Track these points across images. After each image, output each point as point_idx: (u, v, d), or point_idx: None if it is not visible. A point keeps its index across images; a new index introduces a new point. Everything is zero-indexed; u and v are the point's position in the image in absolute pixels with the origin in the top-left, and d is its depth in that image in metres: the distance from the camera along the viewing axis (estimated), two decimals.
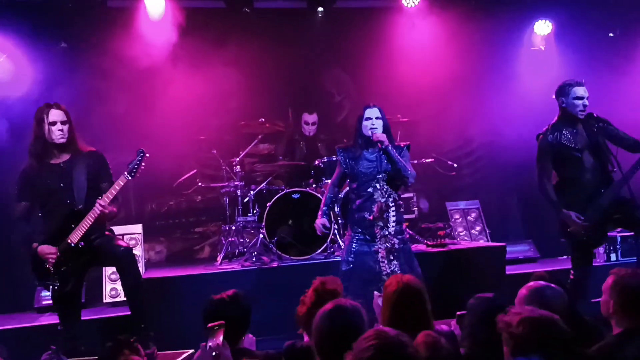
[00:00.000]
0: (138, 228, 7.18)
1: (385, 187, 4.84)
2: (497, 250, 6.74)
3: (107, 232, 4.86)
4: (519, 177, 7.99)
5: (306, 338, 3.44)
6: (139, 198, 8.19)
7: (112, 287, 6.56)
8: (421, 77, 7.89)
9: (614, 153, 5.19)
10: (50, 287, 4.67)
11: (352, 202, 5.01)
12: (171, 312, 5.80)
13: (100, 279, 6.61)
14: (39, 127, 4.74)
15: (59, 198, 4.74)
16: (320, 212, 5.13)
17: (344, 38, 8.43)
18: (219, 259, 6.73)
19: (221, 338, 2.91)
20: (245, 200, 7.02)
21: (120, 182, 4.68)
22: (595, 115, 5.27)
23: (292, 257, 6.52)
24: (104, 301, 6.58)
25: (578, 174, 5.21)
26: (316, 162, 7.04)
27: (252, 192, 7.01)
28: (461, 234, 7.96)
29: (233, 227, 6.93)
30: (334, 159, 6.66)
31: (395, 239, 4.79)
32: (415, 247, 6.58)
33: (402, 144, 5.11)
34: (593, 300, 4.34)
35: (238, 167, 7.03)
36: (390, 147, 4.81)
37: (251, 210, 6.96)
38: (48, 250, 4.64)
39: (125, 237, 6.81)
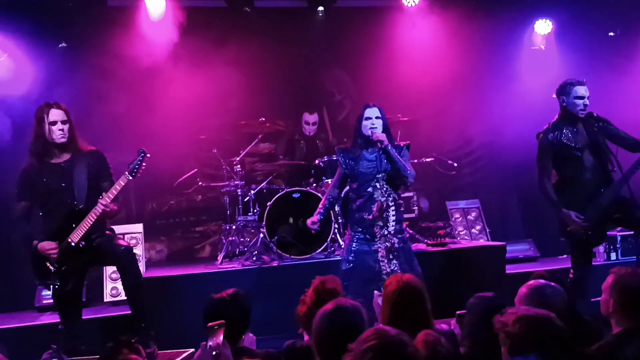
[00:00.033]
0: (139, 227, 7.20)
1: (385, 186, 4.85)
2: (497, 250, 6.74)
3: (107, 232, 4.87)
4: (519, 176, 7.99)
5: (306, 337, 3.44)
6: (140, 197, 8.20)
7: (113, 287, 6.57)
8: (421, 77, 7.90)
9: (614, 153, 5.19)
10: (51, 286, 4.68)
11: (352, 202, 5.01)
12: (172, 311, 5.81)
13: (101, 278, 6.62)
14: (39, 127, 4.74)
15: (60, 198, 4.74)
16: (316, 211, 5.14)
17: (344, 37, 8.43)
18: (220, 258, 6.73)
19: (221, 337, 2.91)
20: (246, 200, 7.03)
21: (121, 182, 4.68)
22: (595, 114, 5.27)
23: (292, 257, 6.53)
24: (105, 300, 6.59)
25: (578, 173, 5.21)
26: (316, 162, 7.04)
27: (252, 192, 7.01)
28: (461, 233, 7.96)
29: (233, 227, 6.93)
30: (334, 158, 6.66)
31: (395, 238, 4.80)
32: (416, 246, 6.58)
33: (401, 143, 5.11)
34: (593, 300, 4.34)
35: (238, 166, 7.04)
36: (389, 147, 4.81)
37: (251, 209, 6.97)
38: (48, 247, 4.64)
39: (126, 236, 6.82)
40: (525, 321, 2.47)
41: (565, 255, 7.03)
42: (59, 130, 4.74)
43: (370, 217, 4.80)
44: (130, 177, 4.70)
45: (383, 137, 4.83)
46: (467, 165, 8.80)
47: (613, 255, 7.20)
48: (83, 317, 5.08)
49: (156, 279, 6.18)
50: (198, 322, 3.25)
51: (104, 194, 4.65)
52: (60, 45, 7.53)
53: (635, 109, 7.68)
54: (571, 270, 5.32)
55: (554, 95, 5.43)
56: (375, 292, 3.77)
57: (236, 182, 7.00)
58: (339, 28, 8.46)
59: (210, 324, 2.95)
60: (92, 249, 4.71)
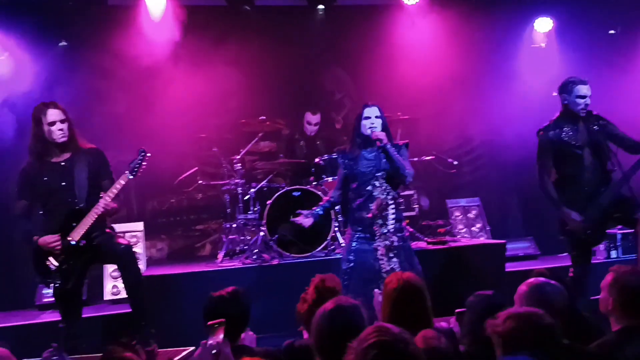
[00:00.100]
0: (139, 226, 7.21)
1: (385, 185, 4.85)
2: (497, 248, 6.75)
3: (107, 230, 4.86)
4: (520, 174, 7.99)
5: (306, 335, 3.45)
6: (141, 196, 8.21)
7: (113, 285, 6.56)
8: (421, 75, 7.90)
9: (614, 152, 5.19)
10: (52, 284, 4.68)
11: (351, 201, 5.01)
12: (172, 310, 5.82)
13: (102, 276, 6.63)
14: (37, 128, 4.72)
15: (60, 197, 4.74)
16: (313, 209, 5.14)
17: (344, 36, 8.44)
18: (220, 256, 6.73)
19: (221, 336, 2.92)
20: (246, 198, 7.03)
21: (121, 181, 4.68)
22: (594, 113, 5.26)
23: (292, 255, 6.53)
24: (105, 299, 6.59)
25: (578, 172, 5.20)
26: (316, 160, 7.04)
27: (252, 190, 7.01)
28: (461, 231, 7.97)
29: (234, 225, 6.94)
30: (334, 156, 6.66)
31: (394, 236, 4.79)
32: (416, 244, 6.58)
33: (400, 142, 5.11)
34: (593, 298, 4.35)
35: (239, 165, 7.04)
36: (389, 146, 4.81)
37: (252, 207, 6.97)
38: (51, 239, 4.62)
39: (126, 234, 6.82)
40: (515, 319, 2.48)
41: (565, 253, 7.02)
42: (59, 130, 4.73)
43: (370, 215, 4.80)
44: (131, 177, 4.70)
45: (382, 136, 4.83)
46: (467, 164, 8.80)
47: (613, 253, 7.20)
48: (83, 316, 5.08)
49: (157, 277, 6.20)
50: (198, 321, 3.26)
51: (102, 193, 4.65)
52: (60, 44, 7.54)
53: (635, 107, 7.68)
54: (571, 269, 5.32)
55: (555, 93, 5.42)
56: (376, 290, 3.78)
57: (236, 181, 7.00)
58: (338, 27, 8.47)
59: (210, 322, 2.95)
60: (93, 247, 4.71)
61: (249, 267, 6.31)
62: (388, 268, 4.71)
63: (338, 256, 5.85)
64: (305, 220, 5.06)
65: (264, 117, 7.28)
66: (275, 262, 6.37)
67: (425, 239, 6.99)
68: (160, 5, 7.55)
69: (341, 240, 6.53)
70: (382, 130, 4.92)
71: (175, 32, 7.47)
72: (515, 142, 7.54)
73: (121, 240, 4.86)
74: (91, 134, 5.46)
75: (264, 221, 6.60)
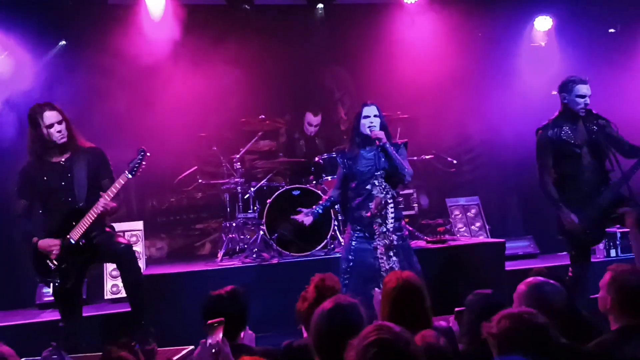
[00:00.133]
0: (139, 225, 7.21)
1: (384, 184, 4.85)
2: (496, 247, 6.75)
3: (107, 229, 4.87)
4: (519, 173, 7.99)
5: (305, 334, 3.45)
6: (140, 195, 8.21)
7: (113, 284, 6.57)
8: (421, 74, 7.90)
9: (613, 152, 5.18)
10: (51, 283, 4.69)
11: (351, 200, 5.01)
12: (172, 309, 5.82)
13: (101, 275, 6.63)
14: (35, 129, 4.70)
15: (60, 196, 4.74)
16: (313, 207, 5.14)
17: (343, 35, 8.43)
18: (220, 255, 6.74)
19: (221, 335, 2.92)
20: (246, 197, 7.03)
21: (121, 181, 4.67)
22: (594, 112, 5.25)
23: (292, 254, 6.53)
24: (105, 298, 6.60)
25: (576, 171, 5.19)
26: (316, 159, 7.04)
27: (252, 189, 7.01)
28: (461, 230, 7.97)
29: (234, 224, 6.94)
30: (333, 155, 6.66)
31: (394, 235, 4.79)
32: (415, 243, 6.59)
33: (399, 141, 5.11)
34: (592, 297, 4.35)
35: (238, 163, 7.04)
36: (388, 145, 4.82)
37: (251, 207, 6.97)
38: (51, 243, 4.63)
39: (126, 233, 6.84)
40: (508, 319, 2.50)
41: (564, 252, 7.03)
42: (57, 132, 4.71)
43: (369, 214, 4.80)
44: (130, 176, 4.70)
45: (381, 135, 4.83)
46: (467, 163, 8.80)
47: (613, 252, 7.19)
48: (83, 315, 5.08)
49: (156, 276, 6.19)
50: (198, 320, 3.26)
51: (102, 193, 4.65)
52: (59, 44, 7.54)
53: (635, 106, 7.68)
54: (570, 269, 5.32)
55: (555, 92, 5.42)
56: (376, 289, 3.78)
57: (236, 180, 7.00)
58: (338, 25, 8.47)
59: (209, 321, 2.96)
60: (92, 246, 4.71)
61: (249, 266, 6.31)
62: (387, 267, 4.72)
63: (337, 255, 5.85)
64: (305, 218, 5.06)
65: (264, 116, 7.28)
66: (274, 261, 6.37)
67: (425, 237, 6.99)
68: (160, 4, 7.56)
69: (341, 239, 6.52)
70: (381, 129, 4.91)
71: (175, 31, 7.47)
72: (515, 141, 7.54)
73: (121, 240, 4.87)
74: (91, 133, 5.46)
75: (264, 220, 6.60)
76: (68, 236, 4.63)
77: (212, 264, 6.57)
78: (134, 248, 5.87)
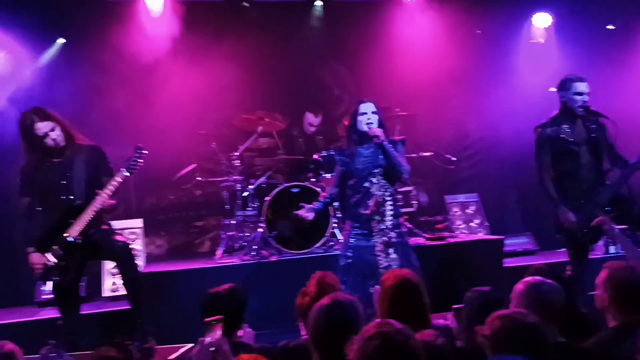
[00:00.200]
0: (139, 222, 7.21)
1: (382, 181, 4.85)
2: (495, 243, 6.75)
3: (105, 227, 4.87)
4: (518, 170, 8.00)
5: (303, 330, 3.45)
6: (140, 192, 8.19)
7: (112, 282, 6.57)
8: (420, 71, 7.90)
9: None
10: (50, 281, 4.69)
11: (349, 198, 5.01)
12: (171, 306, 5.82)
13: (100, 273, 6.63)
14: (29, 135, 4.69)
15: (59, 195, 4.74)
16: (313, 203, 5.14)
17: (342, 32, 8.41)
18: (219, 253, 6.74)
19: (219, 333, 2.92)
20: (245, 195, 7.03)
21: (118, 179, 4.68)
22: (593, 109, 5.23)
23: (291, 251, 6.53)
24: (104, 295, 6.60)
25: (575, 169, 5.20)
26: (315, 157, 7.04)
27: (251, 186, 7.01)
28: (460, 227, 7.97)
29: (233, 221, 6.94)
30: (332, 153, 6.66)
31: (392, 232, 4.80)
32: (414, 240, 6.59)
33: (397, 138, 5.11)
34: (591, 293, 4.36)
35: (237, 161, 7.03)
36: (386, 143, 4.81)
37: (250, 204, 6.97)
38: (34, 260, 4.65)
39: (125, 231, 6.83)
40: (500, 319, 2.52)
41: (563, 249, 7.03)
42: (52, 140, 4.71)
43: (368, 212, 4.80)
44: (127, 174, 4.70)
45: (380, 132, 4.82)
46: (466, 159, 8.79)
47: (612, 249, 7.19)
48: (82, 312, 5.09)
49: (156, 274, 6.19)
50: (197, 317, 3.26)
51: (98, 190, 4.65)
52: (58, 41, 7.53)
53: (634, 102, 7.69)
54: (568, 267, 5.32)
55: (553, 89, 5.42)
56: (377, 287, 3.78)
57: (235, 177, 7.00)
58: (337, 22, 8.45)
59: (207, 319, 2.96)
60: (90, 244, 4.72)
61: (248, 263, 6.31)
62: (386, 264, 4.72)
63: (337, 252, 5.84)
64: (307, 213, 5.06)
65: (263, 114, 7.26)
66: (274, 258, 6.38)
67: (424, 234, 7.00)
68: (159, 1, 7.54)
69: (340, 237, 6.53)
70: (379, 126, 4.91)
71: (174, 28, 7.46)
72: (513, 138, 7.55)
73: (118, 237, 4.87)
74: (90, 129, 5.47)
75: (263, 218, 6.60)
76: (67, 235, 4.63)
77: (212, 262, 6.57)
78: (134, 246, 5.89)
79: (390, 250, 4.77)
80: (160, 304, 5.75)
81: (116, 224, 5.46)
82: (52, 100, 6.07)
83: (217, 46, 7.55)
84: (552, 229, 5.40)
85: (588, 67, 6.73)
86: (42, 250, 4.67)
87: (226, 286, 3.42)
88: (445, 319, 3.46)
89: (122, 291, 5.24)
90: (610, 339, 2.99)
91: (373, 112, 4.94)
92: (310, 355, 2.72)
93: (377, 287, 3.60)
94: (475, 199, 8.18)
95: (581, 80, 5.21)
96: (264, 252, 6.46)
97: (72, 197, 4.72)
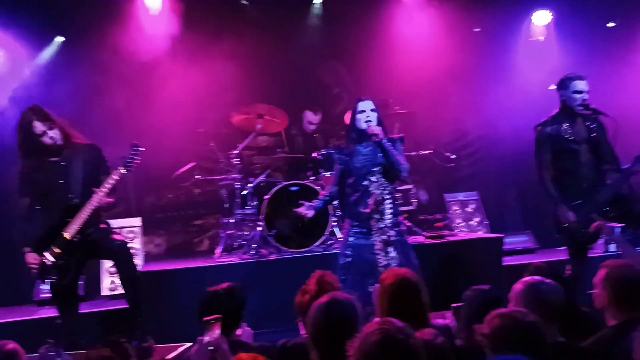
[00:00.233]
0: (137, 221, 7.19)
1: (381, 179, 4.84)
2: (494, 242, 6.74)
3: (103, 226, 4.86)
4: (518, 168, 7.99)
5: (302, 329, 3.44)
6: (138, 191, 8.19)
7: (111, 281, 6.56)
8: (419, 69, 7.88)
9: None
10: (48, 280, 4.68)
11: (348, 196, 4.99)
12: (170, 305, 5.81)
13: (99, 272, 6.62)
14: (28, 133, 4.69)
15: (57, 194, 4.74)
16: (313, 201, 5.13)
17: (341, 30, 8.40)
18: (218, 251, 6.73)
19: (218, 332, 2.91)
20: (244, 193, 7.02)
21: (114, 176, 4.67)
22: (592, 107, 5.22)
23: (290, 250, 6.52)
24: (103, 294, 6.59)
25: (574, 168, 5.19)
26: (314, 155, 7.03)
27: (250, 185, 7.00)
28: (459, 225, 7.95)
29: (232, 220, 6.93)
30: (332, 151, 6.64)
31: (391, 231, 4.79)
32: (414, 238, 6.59)
33: (395, 136, 5.10)
34: (590, 292, 4.35)
35: (236, 159, 7.02)
36: (385, 141, 4.80)
37: (250, 203, 6.96)
38: (30, 260, 4.66)
39: (124, 230, 6.82)
40: (499, 318, 2.51)
41: (564, 247, 7.02)
42: (50, 138, 4.71)
43: (367, 210, 4.79)
44: (124, 171, 4.70)
45: (378, 130, 4.81)
46: (465, 158, 8.78)
47: (612, 247, 7.17)
48: (81, 311, 5.10)
49: (155, 272, 6.19)
50: (196, 316, 3.25)
51: (95, 189, 4.64)
52: (57, 40, 7.52)
53: (634, 100, 7.68)
54: (567, 267, 5.30)
55: (553, 86, 5.41)
56: (376, 285, 3.77)
57: (234, 176, 6.99)
58: (336, 21, 8.44)
59: (206, 318, 2.95)
60: (88, 243, 4.71)
61: (247, 262, 6.30)
62: (385, 262, 4.72)
63: (336, 251, 5.83)
64: (307, 211, 5.05)
65: (261, 112, 7.24)
66: (273, 257, 6.38)
67: (424, 233, 6.98)
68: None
69: (339, 235, 6.52)
70: (377, 123, 4.90)
71: (173, 26, 7.45)
72: (513, 136, 7.53)
73: (116, 237, 4.87)
74: (89, 128, 5.46)
75: (262, 216, 6.58)
76: (65, 234, 4.63)
77: (211, 260, 6.57)
78: (132, 244, 5.87)
79: (390, 249, 4.77)
80: (159, 303, 5.74)
81: (115, 223, 5.45)
82: (51, 100, 6.06)
83: (216, 45, 7.54)
84: (552, 227, 5.39)
85: (588, 65, 6.72)
86: (41, 249, 4.67)
87: (224, 285, 3.42)
88: (444, 318, 3.45)
89: (121, 290, 5.22)
90: (610, 338, 2.98)
91: (372, 110, 4.93)
92: (309, 354, 2.72)
93: (377, 285, 3.59)
94: (474, 197, 8.16)
95: (580, 78, 5.21)
96: (263, 251, 6.46)
97: (70, 196, 4.72)
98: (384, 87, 7.64)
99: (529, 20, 8.58)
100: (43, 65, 7.25)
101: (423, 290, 3.25)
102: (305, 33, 8.48)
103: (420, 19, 8.23)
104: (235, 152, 7.06)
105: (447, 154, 7.87)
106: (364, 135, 4.91)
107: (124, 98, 7.54)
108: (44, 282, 4.79)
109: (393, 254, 4.77)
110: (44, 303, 6.35)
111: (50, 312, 5.70)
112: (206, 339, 2.90)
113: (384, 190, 4.83)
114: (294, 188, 6.68)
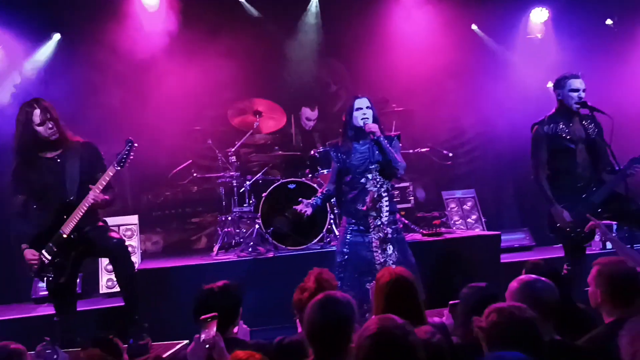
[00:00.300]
0: (134, 219, 7.19)
1: (378, 177, 4.84)
2: (492, 239, 6.74)
3: (100, 224, 4.86)
4: (515, 165, 7.99)
5: (299, 327, 3.45)
6: (135, 189, 8.19)
7: (108, 278, 6.57)
8: (417, 66, 7.89)
9: (611, 150, 5.17)
10: (46, 278, 4.69)
11: (345, 194, 4.99)
12: (167, 303, 5.80)
13: (97, 270, 6.62)
14: (26, 128, 4.68)
15: (53, 191, 4.73)
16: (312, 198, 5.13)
17: (339, 28, 8.41)
18: (215, 249, 6.73)
19: (214, 329, 2.92)
20: (241, 191, 7.02)
21: (109, 173, 4.67)
22: (589, 104, 5.22)
23: (288, 247, 6.52)
24: (100, 292, 6.60)
25: (570, 167, 5.17)
26: (312, 152, 7.02)
27: (248, 183, 6.99)
28: (457, 222, 7.97)
29: (229, 218, 6.93)
30: (328, 149, 6.63)
31: (388, 228, 4.80)
32: (411, 236, 6.59)
33: (392, 134, 5.09)
34: (587, 289, 4.37)
35: (234, 157, 7.02)
36: (382, 139, 4.80)
37: (247, 200, 6.96)
38: (29, 257, 4.67)
39: (121, 228, 6.82)
40: (497, 313, 2.52)
41: (560, 244, 7.03)
42: (49, 129, 4.70)
43: (364, 208, 4.79)
44: (119, 168, 4.69)
45: (375, 128, 4.80)
46: (462, 155, 8.79)
47: (609, 245, 7.18)
48: (79, 309, 5.09)
49: (152, 270, 6.18)
50: (192, 314, 3.25)
51: (91, 186, 4.64)
52: (54, 37, 7.51)
53: (633, 96, 7.68)
54: (565, 265, 5.30)
55: (550, 84, 5.41)
56: (373, 283, 3.78)
57: (232, 173, 6.98)
58: (334, 18, 8.44)
59: (202, 316, 2.95)
60: (85, 241, 4.71)
61: (244, 259, 6.29)
62: (381, 260, 4.72)
63: (333, 248, 5.83)
64: (305, 208, 5.04)
65: (260, 110, 7.23)
66: (270, 254, 6.37)
67: (421, 230, 6.99)
68: None
69: (336, 233, 6.51)
70: (373, 121, 4.89)
71: (170, 24, 7.44)
72: (510, 134, 7.53)
73: (113, 234, 4.86)
74: (86, 126, 5.45)
75: (259, 214, 6.58)
76: (61, 231, 4.63)
77: (208, 258, 6.56)
78: (130, 242, 5.86)
79: (387, 246, 4.77)
80: (156, 301, 5.74)
81: (112, 221, 5.45)
82: (48, 98, 5.92)
83: (213, 42, 7.54)
84: (546, 228, 5.38)
85: (585, 62, 6.72)
86: (38, 247, 4.67)
87: (220, 283, 3.41)
88: (441, 315, 3.46)
89: (119, 288, 5.22)
90: (607, 335, 2.98)
91: (368, 107, 4.92)
92: (306, 351, 2.73)
93: (374, 283, 3.60)
94: (472, 195, 8.18)
95: (576, 77, 5.20)
96: (260, 249, 6.45)
97: (66, 193, 4.71)
98: (381, 85, 7.65)
99: (527, 18, 8.58)
100: (40, 63, 7.22)
101: (419, 288, 3.26)
102: (303, 31, 8.47)
103: (418, 16, 8.24)
104: (232, 149, 7.06)
105: (445, 152, 7.88)
106: (360, 133, 4.91)
107: (121, 96, 7.53)
108: (41, 280, 4.79)
109: (390, 251, 4.77)
110: (41, 301, 6.37)
111: (48, 310, 5.70)
112: (202, 336, 2.90)
113: (381, 187, 4.83)
114: (291, 186, 6.67)
